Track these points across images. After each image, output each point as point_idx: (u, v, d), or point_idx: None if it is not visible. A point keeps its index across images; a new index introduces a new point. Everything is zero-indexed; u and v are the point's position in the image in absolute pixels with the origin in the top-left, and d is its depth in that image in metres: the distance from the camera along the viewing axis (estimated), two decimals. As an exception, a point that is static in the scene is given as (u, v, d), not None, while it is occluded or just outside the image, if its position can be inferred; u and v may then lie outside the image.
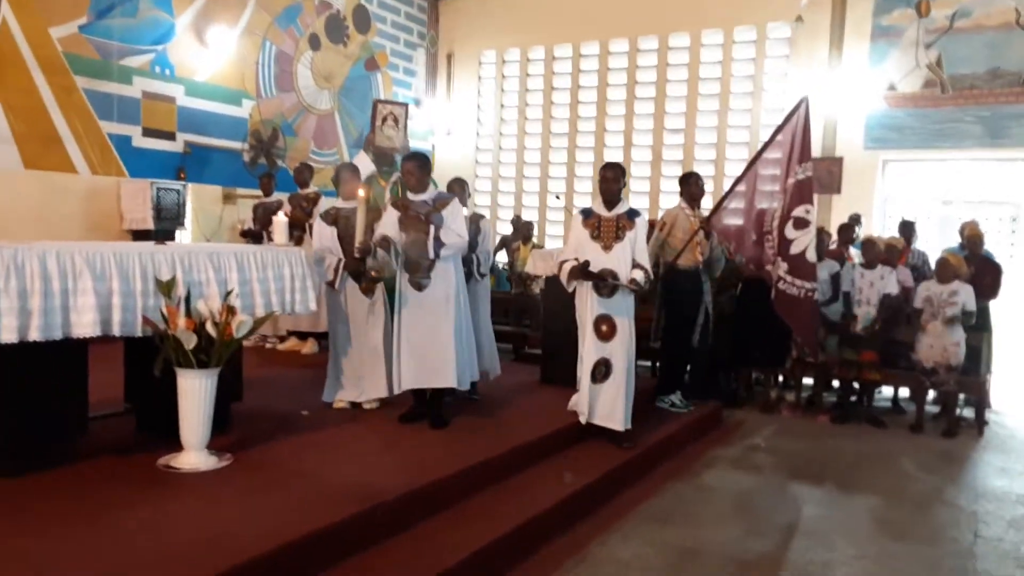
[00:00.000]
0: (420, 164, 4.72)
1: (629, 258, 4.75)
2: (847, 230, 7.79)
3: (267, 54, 10.03)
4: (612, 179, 4.84)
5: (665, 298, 6.20)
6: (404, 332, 4.61)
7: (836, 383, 7.05)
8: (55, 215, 7.51)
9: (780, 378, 7.41)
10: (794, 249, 5.85)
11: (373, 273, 4.66)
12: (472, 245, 5.15)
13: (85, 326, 3.42)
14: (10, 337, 3.14)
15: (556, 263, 4.84)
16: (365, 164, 5.58)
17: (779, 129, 6.02)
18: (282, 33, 10.21)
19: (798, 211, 5.85)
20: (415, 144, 6.04)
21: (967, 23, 9.37)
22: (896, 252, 7.05)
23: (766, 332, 6.40)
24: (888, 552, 3.98)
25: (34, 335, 3.23)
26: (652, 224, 7.31)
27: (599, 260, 4.75)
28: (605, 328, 4.79)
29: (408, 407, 4.79)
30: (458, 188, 5.35)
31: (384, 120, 5.69)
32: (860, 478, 5.19)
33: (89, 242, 3.77)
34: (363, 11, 11.46)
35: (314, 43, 10.71)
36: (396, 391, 4.73)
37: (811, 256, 5.89)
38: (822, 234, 7.28)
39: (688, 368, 6.34)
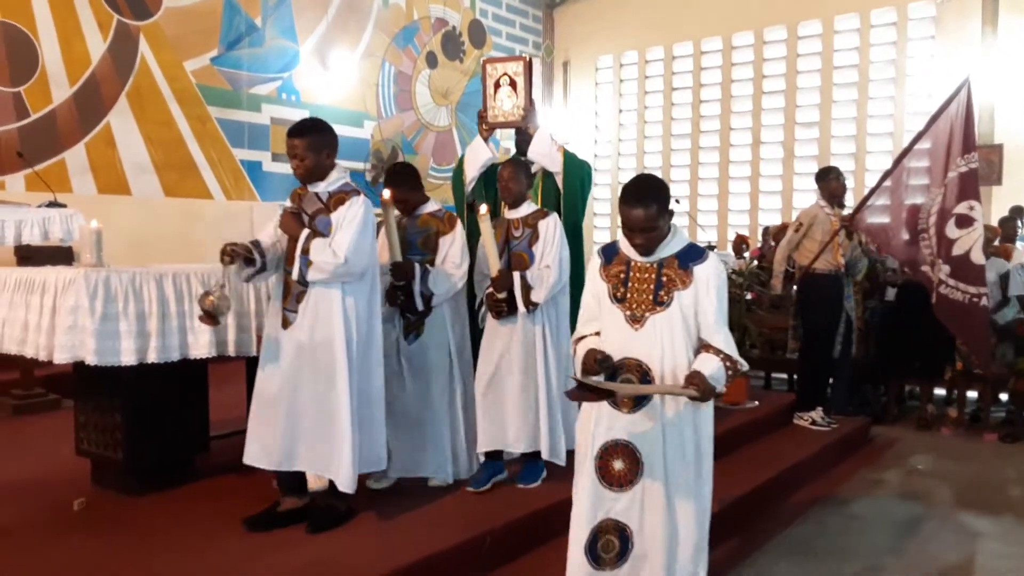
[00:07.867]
0: (312, 137, 3.07)
1: (680, 337, 2.55)
2: (1008, 224, 7.06)
3: (386, 75, 10.24)
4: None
5: (802, 305, 5.72)
6: (259, 381, 3.24)
7: (1005, 397, 6.25)
8: (193, 240, 7.87)
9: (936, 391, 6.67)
10: (957, 250, 5.22)
11: (209, 300, 3.04)
12: (515, 261, 3.64)
13: (201, 347, 3.46)
14: (129, 359, 3.21)
15: (571, 341, 2.83)
16: (483, 153, 4.24)
17: (935, 116, 5.40)
18: (400, 53, 10.40)
19: (961, 207, 5.22)
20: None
21: None
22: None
23: (924, 340, 5.77)
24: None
25: (152, 357, 3.29)
26: (784, 228, 6.79)
27: (623, 343, 2.58)
28: (620, 467, 2.60)
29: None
30: (509, 171, 3.68)
31: (497, 87, 4.05)
32: (1042, 507, 4.52)
33: (206, 264, 3.83)
34: (478, 26, 11.50)
35: (431, 61, 10.84)
36: (249, 461, 3.23)
37: (977, 257, 5.20)
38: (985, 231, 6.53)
39: (831, 381, 5.80)
